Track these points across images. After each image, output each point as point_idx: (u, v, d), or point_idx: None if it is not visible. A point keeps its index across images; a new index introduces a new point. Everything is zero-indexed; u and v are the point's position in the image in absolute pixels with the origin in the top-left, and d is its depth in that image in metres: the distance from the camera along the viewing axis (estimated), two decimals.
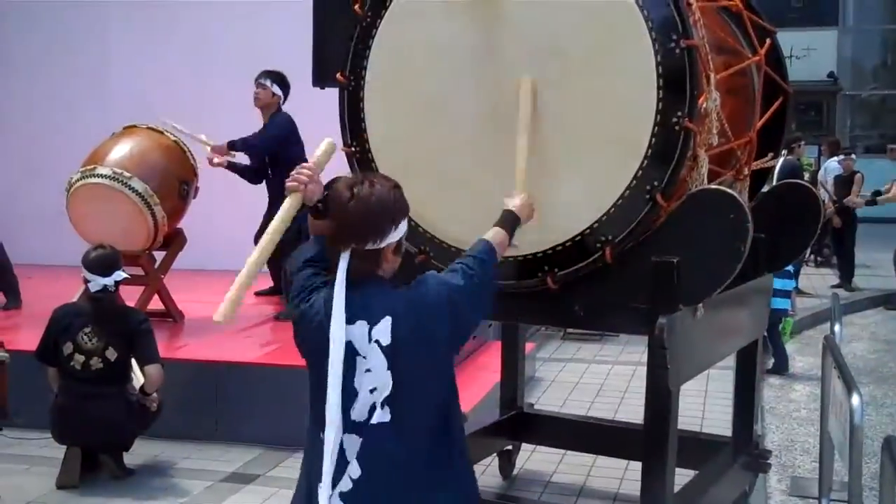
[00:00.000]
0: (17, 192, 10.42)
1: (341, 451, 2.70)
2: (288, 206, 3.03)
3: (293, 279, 2.95)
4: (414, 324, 2.71)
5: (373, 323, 2.71)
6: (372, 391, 2.70)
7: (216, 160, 7.37)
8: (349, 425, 2.70)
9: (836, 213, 12.43)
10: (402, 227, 2.82)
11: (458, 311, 2.79)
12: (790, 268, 8.05)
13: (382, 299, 2.75)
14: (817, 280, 13.14)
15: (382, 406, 2.69)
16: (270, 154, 7.40)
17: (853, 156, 13.31)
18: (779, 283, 7.46)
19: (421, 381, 2.74)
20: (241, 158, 7.59)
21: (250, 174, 7.65)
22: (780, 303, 7.73)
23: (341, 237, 2.76)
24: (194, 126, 7.46)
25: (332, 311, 2.69)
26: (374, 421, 2.70)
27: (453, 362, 2.91)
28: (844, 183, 12.71)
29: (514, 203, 3.38)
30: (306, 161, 7.46)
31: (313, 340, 2.78)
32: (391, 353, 2.69)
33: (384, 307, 2.73)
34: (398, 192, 2.82)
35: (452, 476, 2.83)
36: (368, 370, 2.70)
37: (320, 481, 2.71)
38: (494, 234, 3.15)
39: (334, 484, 2.69)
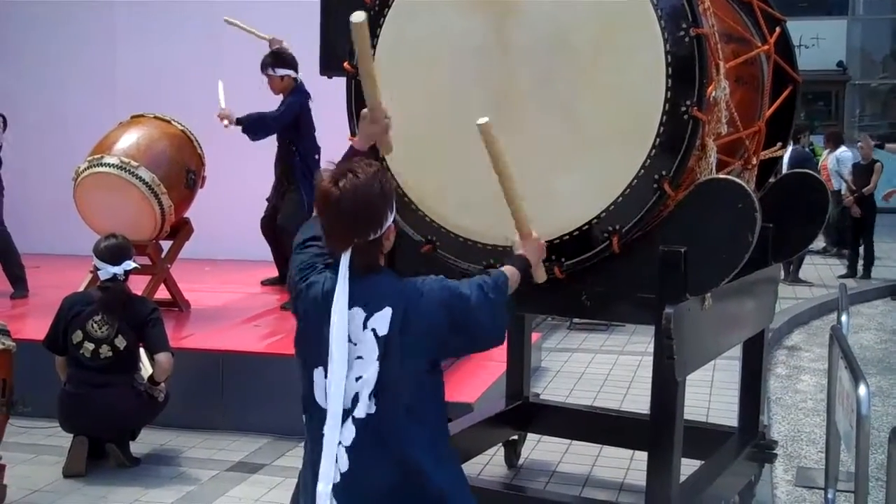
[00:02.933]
0: (25, 182, 10.41)
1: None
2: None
3: (295, 255, 2.94)
4: (413, 319, 2.69)
5: (370, 311, 2.69)
6: (358, 379, 2.68)
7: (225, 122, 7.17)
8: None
9: (854, 202, 12.39)
10: (394, 206, 2.79)
11: (456, 318, 2.76)
12: None
13: (385, 289, 2.74)
14: (824, 270, 13.11)
15: (369, 397, 2.67)
16: (273, 131, 7.31)
17: (871, 142, 13.21)
18: None
19: (408, 377, 2.71)
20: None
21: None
22: None
23: (340, 236, 2.72)
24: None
25: (334, 304, 2.67)
26: (360, 412, 2.68)
27: (441, 365, 2.86)
28: (863, 171, 12.67)
29: (521, 247, 3.31)
30: (318, 147, 7.38)
31: (307, 325, 2.79)
32: (385, 343, 2.67)
33: (386, 297, 2.71)
34: (382, 175, 2.76)
35: (436, 478, 2.77)
36: (359, 357, 2.68)
37: (313, 461, 2.73)
38: (509, 273, 3.09)
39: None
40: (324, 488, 2.66)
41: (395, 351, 2.67)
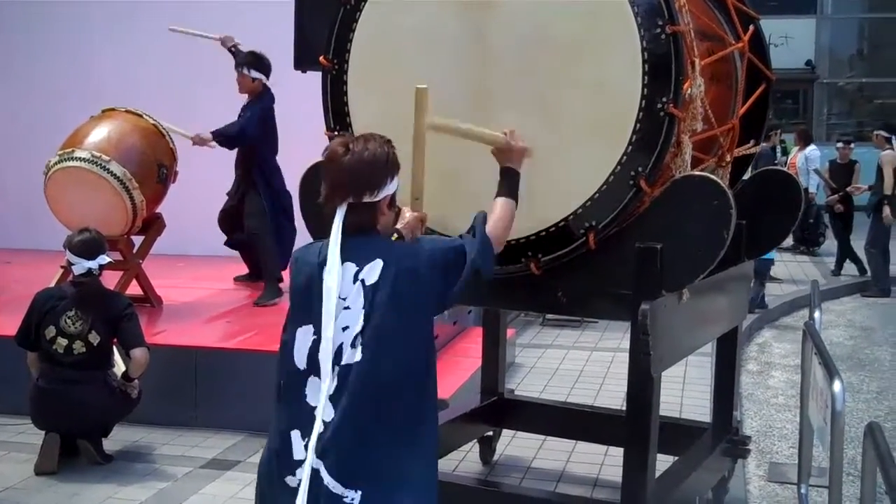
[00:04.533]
0: None
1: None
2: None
3: None
4: (402, 271, 2.73)
5: (361, 264, 2.74)
6: (344, 329, 2.71)
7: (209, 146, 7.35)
8: (313, 365, 2.72)
9: (839, 200, 12.48)
10: (396, 181, 2.85)
11: (449, 272, 2.82)
12: None
13: (376, 245, 2.79)
14: (794, 267, 13.21)
15: (353, 345, 2.69)
16: (247, 142, 7.35)
17: (852, 145, 13.30)
18: None
19: (394, 329, 2.72)
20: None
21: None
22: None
23: (338, 191, 2.78)
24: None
25: (327, 263, 2.71)
26: (344, 361, 2.70)
27: (432, 325, 2.91)
28: (840, 170, 12.76)
29: (503, 159, 3.31)
30: (277, 150, 7.44)
31: (301, 283, 2.83)
32: (372, 292, 2.71)
33: (376, 251, 2.76)
34: (391, 147, 2.86)
35: (419, 437, 2.79)
36: (347, 308, 2.71)
37: (293, 427, 2.73)
38: (500, 207, 3.15)
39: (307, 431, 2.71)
40: (311, 444, 2.66)
41: (382, 301, 2.70)
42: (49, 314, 5.19)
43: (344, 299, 2.72)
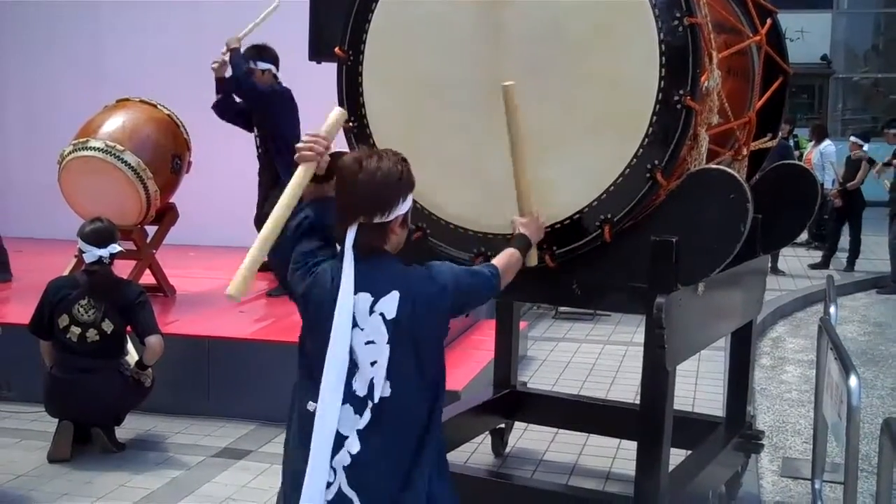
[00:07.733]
0: (7, 165, 10.35)
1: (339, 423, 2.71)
2: (301, 176, 2.91)
3: (299, 239, 2.91)
4: (420, 302, 2.72)
5: (378, 296, 2.71)
6: (373, 364, 2.70)
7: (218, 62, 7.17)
8: (348, 396, 2.70)
9: (838, 194, 12.41)
10: (409, 200, 2.83)
11: (460, 302, 2.85)
12: None
13: (390, 274, 2.76)
14: (808, 262, 13.15)
15: (385, 381, 2.70)
16: (252, 102, 7.23)
17: (857, 139, 13.18)
18: None
19: (418, 359, 2.74)
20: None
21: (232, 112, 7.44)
22: None
23: (349, 211, 2.75)
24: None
25: (341, 286, 2.68)
26: (376, 396, 2.70)
27: (443, 344, 2.92)
28: (853, 165, 12.69)
29: (523, 223, 3.48)
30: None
31: (316, 313, 2.78)
32: (394, 327, 2.69)
33: (392, 281, 2.73)
34: (405, 166, 2.82)
35: (438, 456, 2.85)
36: (370, 342, 2.70)
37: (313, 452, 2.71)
38: (509, 255, 3.27)
39: (332, 456, 2.70)
40: (320, 476, 2.67)
41: (405, 334, 2.70)
42: (62, 303, 5.21)
43: (362, 329, 2.70)
